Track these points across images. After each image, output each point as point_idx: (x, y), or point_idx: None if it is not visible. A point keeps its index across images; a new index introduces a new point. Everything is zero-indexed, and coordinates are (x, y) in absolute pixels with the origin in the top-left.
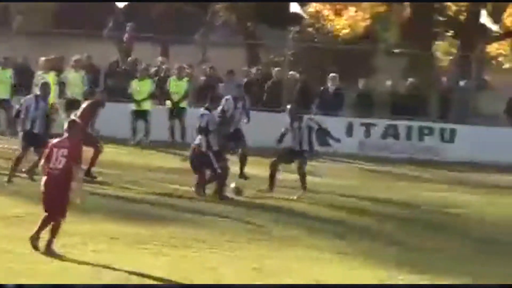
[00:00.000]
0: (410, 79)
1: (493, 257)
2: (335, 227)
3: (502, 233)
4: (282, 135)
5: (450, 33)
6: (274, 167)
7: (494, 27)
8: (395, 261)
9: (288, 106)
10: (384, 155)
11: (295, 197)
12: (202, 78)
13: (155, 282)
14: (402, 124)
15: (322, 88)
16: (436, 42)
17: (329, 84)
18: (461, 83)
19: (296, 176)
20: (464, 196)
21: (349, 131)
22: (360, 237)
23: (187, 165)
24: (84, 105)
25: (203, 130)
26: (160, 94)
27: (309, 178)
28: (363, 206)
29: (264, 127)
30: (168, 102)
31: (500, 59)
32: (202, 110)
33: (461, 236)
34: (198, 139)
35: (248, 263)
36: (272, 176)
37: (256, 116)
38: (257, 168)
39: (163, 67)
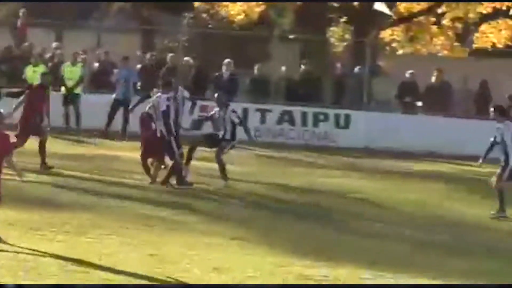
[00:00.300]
0: (304, 65)
1: (396, 242)
2: (229, 213)
3: (402, 218)
4: (206, 118)
5: (344, 19)
6: (194, 148)
7: (388, 13)
8: (294, 246)
9: (216, 94)
10: (279, 141)
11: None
12: (96, 64)
13: (52, 268)
14: (297, 110)
15: (216, 74)
16: (330, 28)
17: (223, 70)
18: (355, 69)
19: (208, 164)
20: (360, 182)
21: (245, 117)
22: (258, 223)
23: (82, 150)
24: (32, 91)
25: (164, 114)
26: (54, 80)
27: (208, 165)
28: (261, 192)
29: None
30: (63, 88)
31: (394, 45)
32: (163, 95)
33: (360, 220)
34: (160, 124)
35: (145, 249)
36: (189, 157)
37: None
38: None
39: (57, 52)
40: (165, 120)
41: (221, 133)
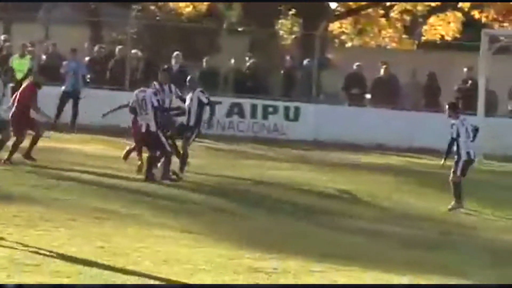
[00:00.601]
0: (253, 58)
1: (346, 233)
2: (181, 206)
3: (352, 210)
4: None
5: (293, 11)
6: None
7: (337, 6)
8: (245, 239)
9: (188, 77)
10: (229, 133)
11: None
12: (44, 56)
13: (2, 260)
14: (246, 102)
15: (166, 66)
16: (279, 21)
17: (173, 63)
18: (304, 61)
19: None
20: (309, 174)
21: None
22: (210, 216)
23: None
24: (23, 87)
25: (156, 109)
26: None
27: None
28: (211, 185)
29: (108, 105)
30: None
31: (342, 37)
32: (149, 90)
33: (311, 213)
34: (146, 118)
35: (95, 242)
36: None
37: (99, 94)
38: (104, 146)
39: (6, 45)
40: (156, 115)
41: (185, 120)
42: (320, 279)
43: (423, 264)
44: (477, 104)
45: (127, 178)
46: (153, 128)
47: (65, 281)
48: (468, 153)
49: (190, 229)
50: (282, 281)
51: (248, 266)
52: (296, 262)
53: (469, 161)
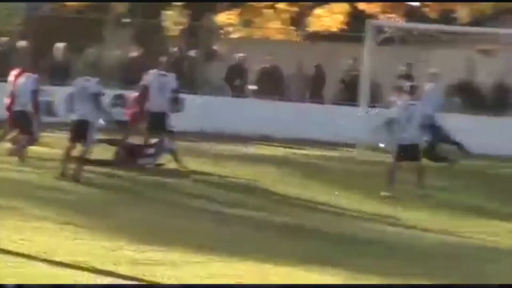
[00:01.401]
0: (138, 50)
1: (228, 224)
2: (63, 198)
3: (234, 200)
4: None
5: (179, 3)
6: None
7: None
8: (128, 231)
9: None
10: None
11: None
12: None
13: None
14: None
15: (52, 58)
16: (165, 12)
17: (56, 54)
18: (190, 52)
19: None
20: (194, 165)
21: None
22: (92, 208)
23: None
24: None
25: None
26: None
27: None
28: (92, 176)
29: None
30: None
31: (229, 29)
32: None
33: (193, 203)
34: None
35: None
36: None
37: None
38: None
39: None
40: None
41: None
42: (198, 270)
43: (302, 253)
44: (360, 94)
45: (6, 170)
46: None
47: None
48: (401, 138)
49: (72, 222)
50: (161, 271)
51: (130, 257)
52: (175, 253)
53: (401, 146)
